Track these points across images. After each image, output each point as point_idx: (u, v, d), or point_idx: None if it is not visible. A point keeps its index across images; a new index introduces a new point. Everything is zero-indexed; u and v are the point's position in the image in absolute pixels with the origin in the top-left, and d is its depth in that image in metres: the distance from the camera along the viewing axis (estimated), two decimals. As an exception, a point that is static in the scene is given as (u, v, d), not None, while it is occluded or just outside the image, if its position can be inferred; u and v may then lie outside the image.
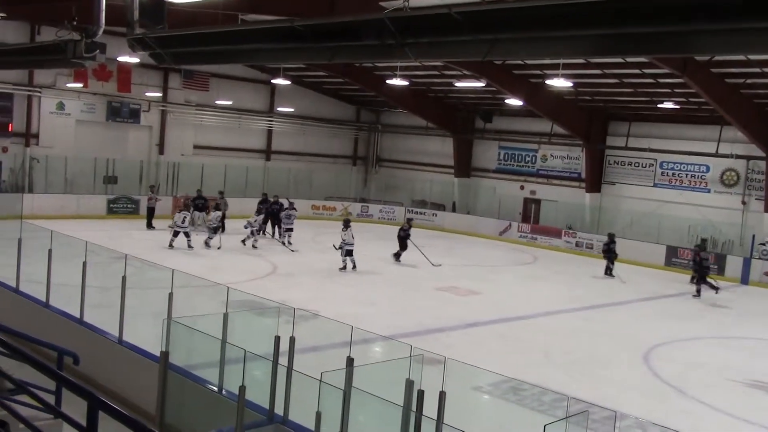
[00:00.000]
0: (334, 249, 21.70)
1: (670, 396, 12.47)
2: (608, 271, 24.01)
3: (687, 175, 28.83)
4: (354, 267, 21.17)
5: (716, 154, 26.81)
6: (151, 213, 26.81)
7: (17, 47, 19.07)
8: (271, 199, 27.36)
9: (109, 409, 4.04)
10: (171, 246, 22.15)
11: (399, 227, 24.66)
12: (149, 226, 26.50)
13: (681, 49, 8.45)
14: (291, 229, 25.02)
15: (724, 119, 25.18)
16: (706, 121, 27.26)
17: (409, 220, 25.46)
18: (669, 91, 25.58)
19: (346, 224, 21.65)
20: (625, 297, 20.72)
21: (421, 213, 34.80)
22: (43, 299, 11.78)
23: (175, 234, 22.42)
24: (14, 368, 6.50)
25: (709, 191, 28.18)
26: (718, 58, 21.18)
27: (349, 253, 21.14)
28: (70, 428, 4.73)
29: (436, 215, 34.51)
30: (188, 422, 8.43)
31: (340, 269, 21.04)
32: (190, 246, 22.31)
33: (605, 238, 25.48)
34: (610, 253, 24.27)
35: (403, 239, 23.57)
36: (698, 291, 21.49)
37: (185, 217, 22.69)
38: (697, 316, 19.35)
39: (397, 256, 23.51)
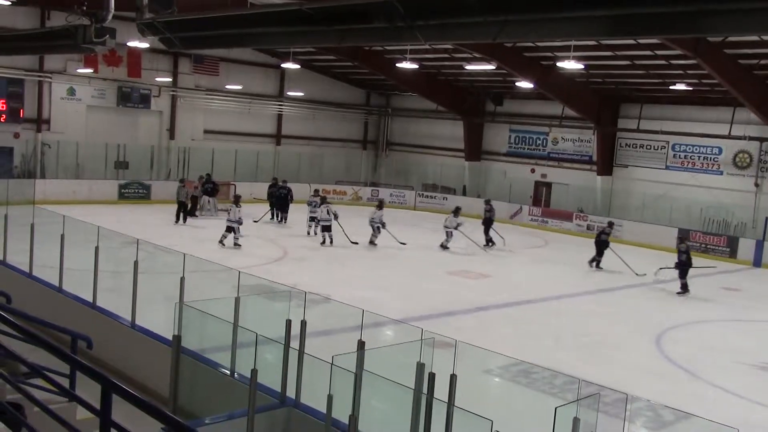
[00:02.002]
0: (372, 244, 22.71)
1: (681, 379, 12.46)
2: None
3: (699, 157, 28.63)
4: (330, 242, 22.11)
5: (729, 136, 26.58)
6: (194, 202, 26.73)
7: (28, 33, 19.08)
8: (280, 183, 27.26)
9: (122, 393, 4.07)
10: (324, 243, 21.43)
11: (600, 231, 22.44)
12: (192, 215, 26.38)
13: (693, 30, 8.38)
14: (315, 218, 23.68)
15: (737, 101, 24.94)
16: (718, 102, 27.02)
17: (611, 224, 23.29)
18: (681, 72, 25.36)
19: (322, 200, 23.12)
20: (636, 280, 20.64)
21: (431, 197, 34.77)
22: (57, 284, 11.86)
23: (228, 230, 21.08)
24: (29, 352, 6.56)
25: (721, 173, 27.98)
26: (731, 38, 20.96)
27: (326, 228, 22.23)
28: (84, 411, 4.77)
29: (446, 199, 34.45)
30: (201, 405, 8.49)
31: (321, 244, 22.12)
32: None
33: (618, 221, 25.31)
34: None
35: (602, 244, 21.79)
36: (488, 242, 24.05)
37: (230, 210, 21.36)
38: (709, 299, 19.27)
39: (596, 264, 21.69)
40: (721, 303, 18.94)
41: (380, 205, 23.78)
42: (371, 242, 22.88)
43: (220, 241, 20.88)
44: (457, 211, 23.61)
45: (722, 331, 16.17)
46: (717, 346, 14.69)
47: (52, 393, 6.28)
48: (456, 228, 22.85)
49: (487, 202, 25.25)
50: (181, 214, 24.76)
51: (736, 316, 17.65)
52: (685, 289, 19.14)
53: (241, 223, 21.10)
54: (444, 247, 22.83)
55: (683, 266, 19.20)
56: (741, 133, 26.28)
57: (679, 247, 19.65)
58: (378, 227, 22.94)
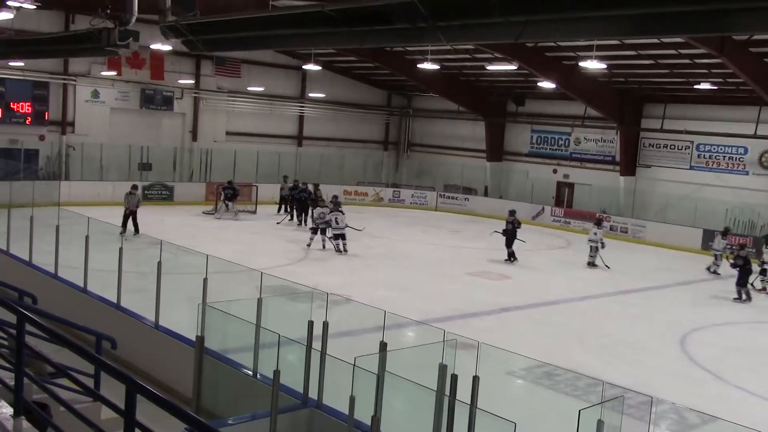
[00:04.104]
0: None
1: (706, 381, 12.32)
2: None
3: (724, 157, 28.29)
4: (344, 250, 21.31)
5: (754, 136, 26.25)
6: (283, 202, 27.36)
7: (52, 36, 19.29)
8: (301, 185, 27.21)
9: (146, 393, 4.09)
10: (339, 250, 20.91)
11: None
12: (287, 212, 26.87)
13: (718, 28, 8.26)
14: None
15: (763, 99, 24.60)
16: (744, 101, 26.69)
17: None
18: (706, 71, 25.07)
19: (335, 205, 22.28)
20: (661, 281, 20.46)
21: (453, 198, 34.68)
22: (81, 285, 11.98)
23: (314, 231, 21.26)
24: (54, 352, 6.62)
25: (747, 173, 27.63)
26: (756, 36, 20.70)
27: (323, 231, 21.65)
28: (109, 411, 4.80)
29: (468, 200, 34.36)
30: (224, 406, 8.53)
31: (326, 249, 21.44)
32: (324, 247, 21.04)
33: (641, 222, 25.10)
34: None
35: None
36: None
37: (322, 213, 21.36)
38: (733, 300, 19.03)
39: None
40: (747, 304, 18.69)
41: (599, 223, 22.72)
42: (590, 264, 21.75)
43: (337, 250, 21.01)
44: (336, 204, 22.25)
45: (747, 332, 15.96)
46: (743, 347, 14.51)
47: (77, 393, 6.34)
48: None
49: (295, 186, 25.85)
50: (129, 223, 21.27)
51: (762, 317, 17.42)
52: (510, 257, 21.31)
53: (342, 228, 21.15)
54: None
55: (508, 235, 21.46)
56: (767, 132, 25.94)
57: (507, 219, 21.91)
58: (596, 247, 21.55)
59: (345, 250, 21.11)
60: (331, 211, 21.71)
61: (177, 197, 29.52)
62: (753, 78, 22.86)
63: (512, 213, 22.18)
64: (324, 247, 21.28)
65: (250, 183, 29.76)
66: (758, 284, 19.88)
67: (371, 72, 36.05)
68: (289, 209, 27.22)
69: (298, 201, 26.54)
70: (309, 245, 21.21)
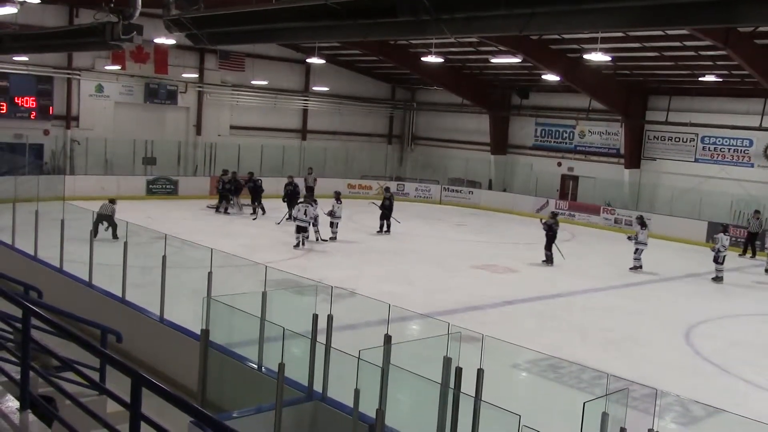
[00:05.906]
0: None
1: (712, 374, 12.31)
2: None
3: (729, 149, 28.20)
4: (302, 244, 20.66)
5: (760, 128, 26.16)
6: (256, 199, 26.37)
7: (56, 30, 19.31)
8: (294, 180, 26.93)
9: (151, 386, 4.10)
10: (297, 246, 20.46)
11: None
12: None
13: (724, 19, 8.24)
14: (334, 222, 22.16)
15: (768, 92, 24.56)
16: (749, 93, 26.60)
17: None
18: (711, 63, 24.98)
19: (338, 198, 22.53)
20: (666, 274, 20.44)
21: (457, 191, 34.66)
22: (86, 279, 12.01)
23: (298, 230, 20.70)
24: (60, 346, 6.64)
25: (752, 166, 27.54)
26: (762, 28, 20.60)
27: (301, 229, 20.83)
28: (115, 404, 4.82)
29: (472, 193, 34.33)
30: (229, 399, 8.55)
31: (294, 246, 20.68)
32: (301, 243, 20.57)
33: (645, 215, 24.97)
34: None
35: None
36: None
37: (305, 210, 20.84)
38: (739, 293, 19.02)
39: None
40: (751, 297, 18.68)
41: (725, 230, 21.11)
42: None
43: (333, 238, 21.71)
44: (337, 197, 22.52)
45: (753, 325, 15.94)
46: (748, 340, 14.48)
47: (83, 386, 6.37)
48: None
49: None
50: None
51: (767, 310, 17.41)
52: (381, 229, 23.63)
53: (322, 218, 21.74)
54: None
55: (384, 209, 23.79)
56: (772, 124, 25.86)
57: (384, 195, 24.33)
58: None
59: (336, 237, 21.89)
60: (338, 202, 22.22)
61: (181, 191, 29.56)
62: (758, 70, 22.76)
63: (387, 190, 25.29)
64: (302, 244, 20.68)
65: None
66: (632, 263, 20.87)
67: (375, 65, 35.99)
68: (254, 204, 26.16)
69: (288, 195, 26.01)
70: (317, 239, 21.23)
